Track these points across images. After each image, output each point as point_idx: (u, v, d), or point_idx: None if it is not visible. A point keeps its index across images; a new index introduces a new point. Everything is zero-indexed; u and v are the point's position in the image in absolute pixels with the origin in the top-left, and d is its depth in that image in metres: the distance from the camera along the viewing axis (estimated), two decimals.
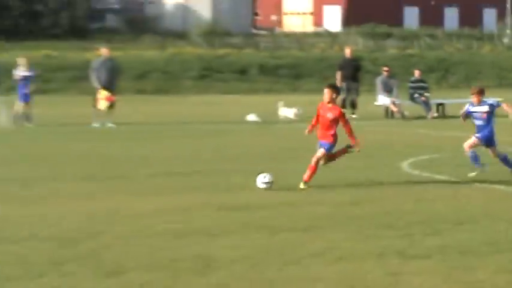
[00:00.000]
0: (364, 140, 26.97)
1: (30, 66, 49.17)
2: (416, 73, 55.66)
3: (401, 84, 53.17)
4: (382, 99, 51.20)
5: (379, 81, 52.42)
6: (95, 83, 45.66)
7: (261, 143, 37.47)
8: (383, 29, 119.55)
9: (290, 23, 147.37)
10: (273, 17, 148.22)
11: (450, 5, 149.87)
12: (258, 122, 45.98)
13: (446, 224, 19.71)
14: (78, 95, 61.36)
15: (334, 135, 25.41)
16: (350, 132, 25.53)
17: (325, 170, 26.21)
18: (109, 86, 46.09)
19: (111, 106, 45.65)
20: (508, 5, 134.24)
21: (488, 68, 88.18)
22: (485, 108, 26.90)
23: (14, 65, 49.88)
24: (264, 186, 24.48)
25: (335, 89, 26.15)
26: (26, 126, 45.20)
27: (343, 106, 50.94)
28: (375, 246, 17.30)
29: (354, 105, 50.97)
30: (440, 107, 51.93)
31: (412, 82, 53.99)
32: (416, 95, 52.83)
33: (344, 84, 51.52)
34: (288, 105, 50.80)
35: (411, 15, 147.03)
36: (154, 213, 21.32)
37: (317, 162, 25.06)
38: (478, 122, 27.26)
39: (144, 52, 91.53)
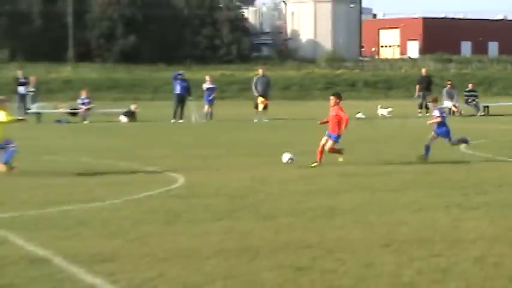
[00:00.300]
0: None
1: (212, 81, 49.71)
2: (470, 85, 55.24)
3: (459, 93, 52.65)
4: (446, 103, 50.88)
5: (444, 91, 52.09)
6: (255, 92, 45.97)
7: (367, 131, 37.38)
8: (447, 56, 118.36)
9: (384, 52, 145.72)
10: (373, 48, 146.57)
11: (492, 40, 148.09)
12: (363, 118, 45.86)
13: (490, 187, 19.53)
14: (243, 101, 61.34)
15: (340, 129, 24.23)
16: (342, 125, 24.11)
17: (410, 151, 26.27)
18: (264, 94, 46.39)
19: (265, 107, 45.73)
20: None
21: None
22: None
23: (203, 81, 50.34)
24: (287, 161, 23.76)
25: (338, 96, 25.06)
26: (209, 121, 45.52)
27: (420, 107, 51.45)
28: (443, 201, 17.27)
29: (427, 108, 50.62)
30: (486, 108, 51.25)
31: (467, 92, 53.63)
32: (469, 100, 52.60)
33: (421, 94, 51.41)
34: (384, 107, 50.77)
35: (466, 47, 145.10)
36: (294, 179, 21.23)
37: (323, 147, 24.00)
38: None
39: (287, 72, 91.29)
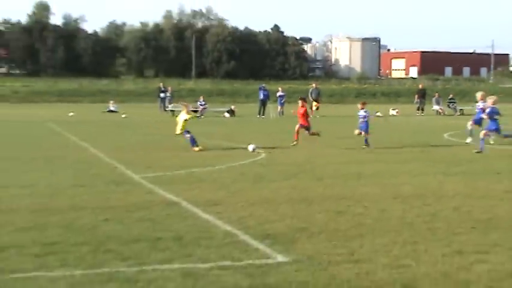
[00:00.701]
0: (427, 125, 26.05)
1: (283, 91, 48.69)
2: (450, 95, 54.24)
3: (443, 100, 51.83)
4: (435, 107, 50.46)
5: (433, 99, 51.62)
6: (310, 98, 45.35)
7: (383, 124, 36.76)
8: (435, 76, 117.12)
9: (394, 74, 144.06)
10: (387, 71, 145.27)
11: (465, 66, 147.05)
12: (381, 116, 44.98)
13: (464, 161, 18.97)
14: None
15: (307, 121, 23.79)
16: (307, 119, 23.93)
17: (410, 137, 25.84)
18: (316, 100, 46.12)
19: (317, 108, 44.93)
20: None
21: None
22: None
23: (276, 90, 50.49)
24: (252, 150, 21.14)
25: (304, 100, 24.57)
26: (281, 117, 45.13)
27: (418, 109, 50.13)
28: (432, 170, 17.00)
29: (423, 110, 50.03)
30: (461, 110, 49.95)
31: (449, 99, 52.46)
32: (450, 105, 51.76)
33: (418, 100, 50.70)
34: (393, 109, 50.25)
35: (448, 70, 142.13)
36: (335, 155, 20.80)
37: (298, 131, 23.30)
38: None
39: (331, 86, 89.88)
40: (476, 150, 21.36)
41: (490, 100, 22.42)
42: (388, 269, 8.05)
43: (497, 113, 21.84)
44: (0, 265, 8.08)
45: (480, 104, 24.71)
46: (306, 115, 24.01)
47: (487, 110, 22.36)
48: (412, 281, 7.58)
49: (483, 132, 22.02)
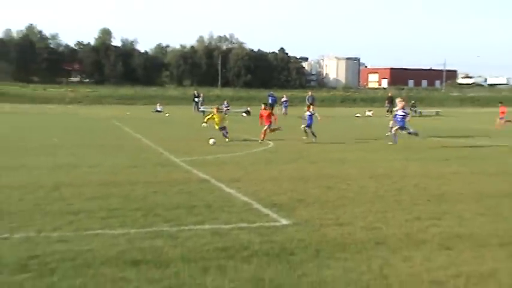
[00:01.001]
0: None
1: (287, 97, 48.80)
2: (413, 101, 53.80)
3: (407, 105, 51.03)
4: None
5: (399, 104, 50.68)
6: (307, 103, 44.63)
7: (360, 122, 36.58)
8: (401, 86, 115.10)
9: (370, 85, 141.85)
10: (365, 82, 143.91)
11: (423, 79, 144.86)
12: (359, 116, 44.59)
13: (422, 150, 18.79)
14: (302, 107, 61.25)
15: (270, 121, 21.82)
16: (273, 119, 22.14)
17: (381, 132, 25.63)
18: (312, 104, 45.35)
19: None
20: None
21: None
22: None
23: (281, 96, 50.47)
24: (212, 143, 19.74)
25: (266, 105, 22.96)
26: (286, 116, 44.89)
27: (387, 111, 46.82)
28: (398, 157, 16.85)
29: (391, 112, 48.31)
30: (420, 112, 49.18)
31: (412, 104, 51.52)
32: (412, 109, 50.09)
33: (388, 105, 49.01)
34: (369, 111, 49.67)
35: (411, 82, 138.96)
36: (326, 145, 20.81)
37: (265, 132, 21.55)
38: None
39: (322, 93, 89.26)
40: (391, 143, 20.99)
41: (400, 104, 21.60)
42: (364, 230, 8.05)
43: (406, 114, 21.17)
44: (76, 225, 8.16)
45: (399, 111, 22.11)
46: (269, 117, 22.26)
47: (398, 112, 21.38)
48: (382, 239, 7.57)
49: (395, 128, 21.26)
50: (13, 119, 36.43)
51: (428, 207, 9.65)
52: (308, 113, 22.73)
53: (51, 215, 8.68)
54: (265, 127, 21.96)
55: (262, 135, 21.65)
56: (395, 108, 22.59)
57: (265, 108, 22.78)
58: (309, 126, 22.24)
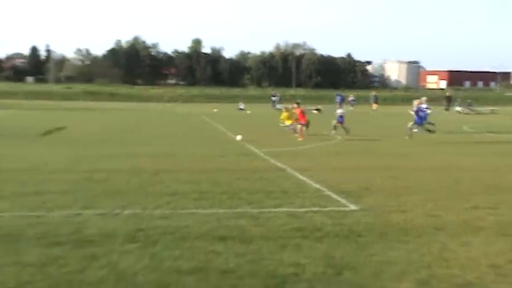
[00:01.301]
0: (450, 119, 24.12)
1: (354, 96, 47.92)
2: (469, 100, 51.62)
3: (463, 103, 48.83)
4: (458, 108, 47.30)
5: (456, 102, 48.86)
6: (371, 101, 44.01)
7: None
8: (458, 87, 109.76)
9: (429, 85, 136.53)
10: (424, 83, 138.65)
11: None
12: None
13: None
14: (369, 104, 59.95)
15: (305, 120, 20.08)
16: (302, 117, 20.17)
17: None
18: (376, 102, 44.45)
19: (375, 109, 44.06)
20: None
21: None
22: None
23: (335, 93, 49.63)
24: (240, 139, 18.35)
25: (298, 103, 21.12)
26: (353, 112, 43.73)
27: (445, 109, 46.56)
28: (470, 151, 16.49)
29: (448, 110, 47.25)
30: (476, 110, 46.63)
31: (468, 103, 49.47)
32: (468, 106, 48.03)
33: (446, 103, 48.07)
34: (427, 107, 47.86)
35: (467, 83, 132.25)
36: (329, 142, 20.65)
37: (301, 129, 19.73)
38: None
39: (385, 93, 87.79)
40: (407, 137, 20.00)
41: (416, 102, 20.72)
42: (424, 216, 7.79)
43: (422, 110, 20.21)
44: (174, 204, 8.38)
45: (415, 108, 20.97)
46: (302, 115, 20.56)
47: (414, 109, 20.58)
48: (442, 226, 7.31)
49: (411, 123, 20.34)
50: (122, 115, 37.82)
51: (485, 197, 9.20)
52: (339, 111, 22.06)
53: (153, 195, 8.96)
54: (300, 126, 20.17)
55: (300, 135, 19.70)
56: (422, 106, 21.01)
57: (298, 106, 21.06)
58: (341, 123, 21.59)
